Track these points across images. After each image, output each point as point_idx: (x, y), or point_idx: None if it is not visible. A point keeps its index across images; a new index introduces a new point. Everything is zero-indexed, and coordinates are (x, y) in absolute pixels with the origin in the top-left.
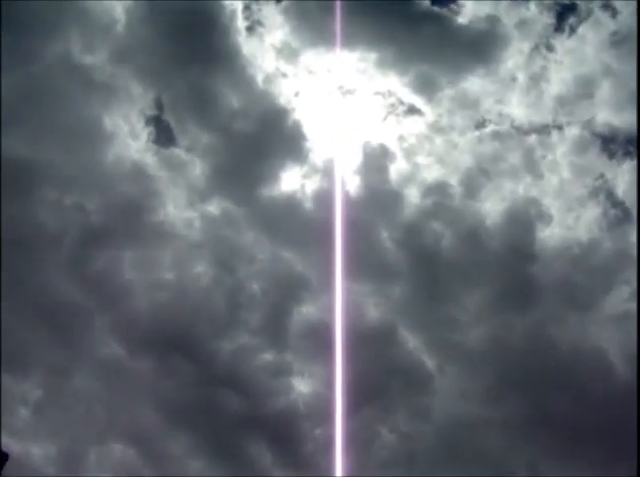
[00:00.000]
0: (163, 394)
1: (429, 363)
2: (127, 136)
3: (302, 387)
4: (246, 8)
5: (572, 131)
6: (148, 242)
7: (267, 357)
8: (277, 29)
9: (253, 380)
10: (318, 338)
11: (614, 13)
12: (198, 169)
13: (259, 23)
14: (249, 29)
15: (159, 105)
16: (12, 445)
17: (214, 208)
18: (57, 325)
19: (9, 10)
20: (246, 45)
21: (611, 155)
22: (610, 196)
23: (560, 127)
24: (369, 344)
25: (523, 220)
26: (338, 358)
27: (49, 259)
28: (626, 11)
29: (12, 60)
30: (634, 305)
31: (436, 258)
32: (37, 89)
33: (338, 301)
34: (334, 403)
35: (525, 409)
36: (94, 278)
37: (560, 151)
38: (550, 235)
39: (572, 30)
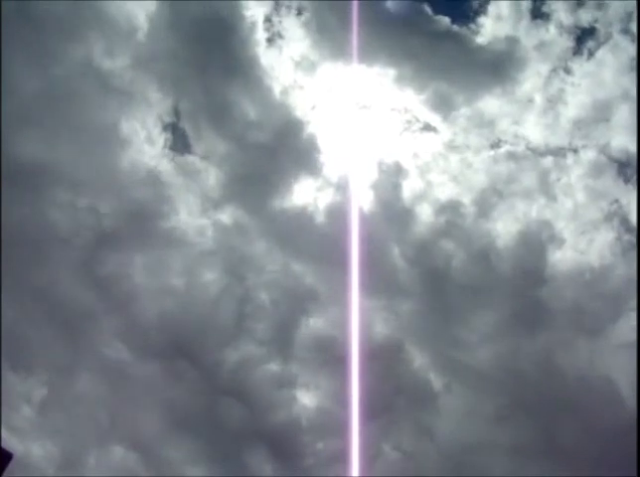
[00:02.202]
0: (166, 399)
1: (436, 382)
2: (144, 142)
3: (306, 399)
4: (267, 19)
5: (588, 155)
6: (159, 248)
7: (273, 368)
8: (297, 41)
9: (258, 390)
10: (324, 351)
11: (633, 37)
12: (212, 177)
13: (279, 35)
14: (269, 40)
15: (176, 112)
16: (14, 444)
17: (226, 216)
18: (64, 325)
19: (34, 12)
20: (266, 56)
21: (627, 180)
22: (624, 221)
23: (575, 150)
24: (376, 359)
25: (535, 242)
26: (352, 371)
27: (60, 260)
28: None
29: (34, 61)
30: None
31: (447, 277)
32: (57, 92)
33: (354, 315)
34: (337, 418)
35: (530, 433)
36: (104, 280)
37: (576, 174)
38: (561, 258)
39: (591, 53)
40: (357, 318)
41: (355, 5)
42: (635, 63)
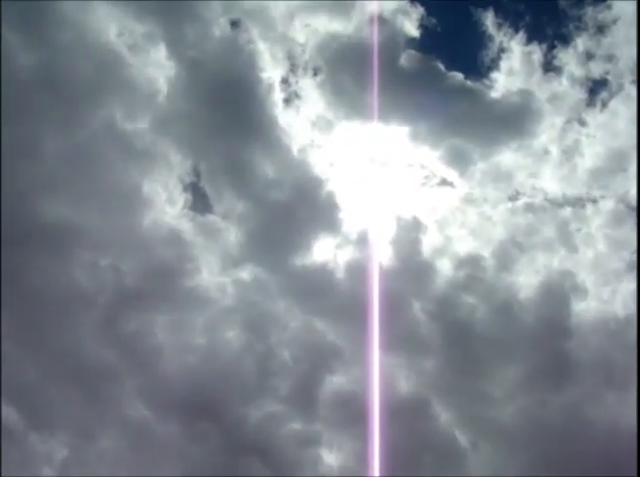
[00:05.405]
0: (189, 459)
1: (462, 439)
2: (165, 202)
3: (331, 459)
4: (284, 81)
5: (607, 204)
6: (181, 306)
7: (296, 426)
8: (313, 101)
9: (281, 449)
10: (348, 409)
11: None
12: (232, 236)
13: (296, 95)
14: (286, 101)
15: (196, 173)
16: None
17: (246, 274)
18: (86, 385)
19: (58, 78)
20: (283, 116)
21: None
22: None
23: (594, 200)
24: (400, 417)
25: (557, 293)
26: (372, 429)
27: (82, 319)
28: None
29: (59, 126)
30: None
31: (469, 332)
32: (81, 155)
33: (370, 372)
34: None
35: None
36: (126, 340)
37: (595, 224)
38: (585, 309)
39: (604, 104)
40: (377, 375)
41: (375, 64)
42: None
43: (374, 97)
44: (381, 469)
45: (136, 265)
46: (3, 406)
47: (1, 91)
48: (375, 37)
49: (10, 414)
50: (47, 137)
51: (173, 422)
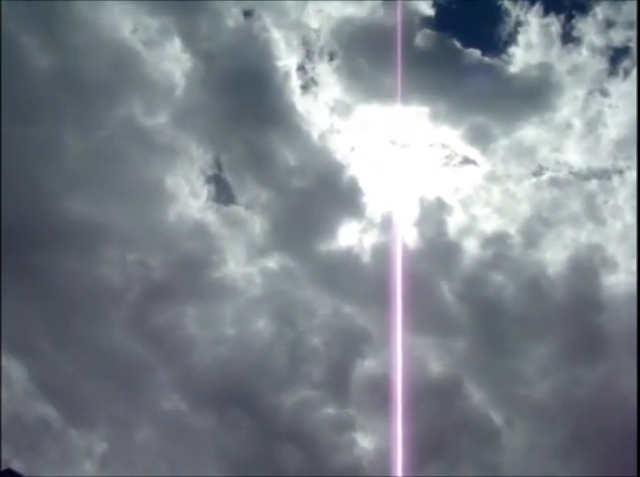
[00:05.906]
0: (225, 448)
1: (496, 417)
2: (188, 195)
3: (366, 442)
4: (300, 68)
5: (634, 175)
6: (210, 298)
7: (330, 411)
8: (331, 86)
9: (316, 434)
10: (381, 392)
11: None
12: (257, 226)
13: (313, 81)
14: (304, 87)
15: (218, 165)
16: None
17: (273, 263)
18: (121, 379)
19: (77, 78)
20: (301, 103)
21: None
22: None
23: (620, 171)
24: (433, 398)
25: (587, 267)
26: (400, 413)
27: (113, 314)
28: None
29: (80, 125)
30: None
31: (499, 310)
32: (103, 153)
33: (399, 355)
34: (398, 460)
35: (596, 466)
36: (157, 333)
37: (622, 195)
38: (616, 282)
39: (626, 73)
40: (403, 357)
41: (398, 45)
42: None
43: (393, 79)
44: (416, 450)
45: (163, 259)
46: (42, 405)
47: (1, 89)
48: (399, 16)
49: (49, 412)
50: (69, 138)
51: (208, 412)
